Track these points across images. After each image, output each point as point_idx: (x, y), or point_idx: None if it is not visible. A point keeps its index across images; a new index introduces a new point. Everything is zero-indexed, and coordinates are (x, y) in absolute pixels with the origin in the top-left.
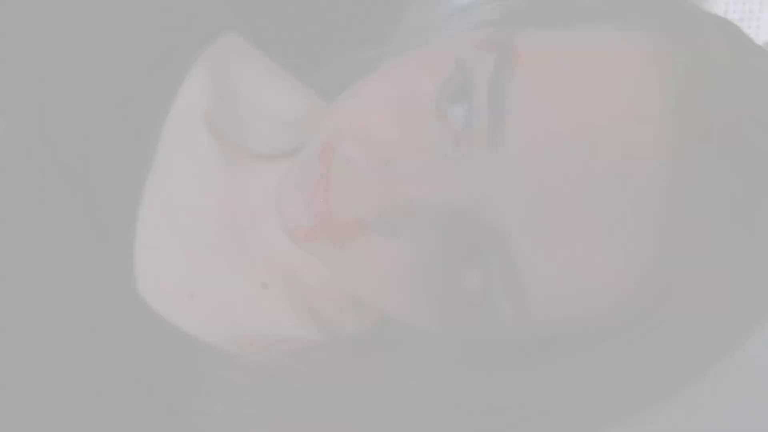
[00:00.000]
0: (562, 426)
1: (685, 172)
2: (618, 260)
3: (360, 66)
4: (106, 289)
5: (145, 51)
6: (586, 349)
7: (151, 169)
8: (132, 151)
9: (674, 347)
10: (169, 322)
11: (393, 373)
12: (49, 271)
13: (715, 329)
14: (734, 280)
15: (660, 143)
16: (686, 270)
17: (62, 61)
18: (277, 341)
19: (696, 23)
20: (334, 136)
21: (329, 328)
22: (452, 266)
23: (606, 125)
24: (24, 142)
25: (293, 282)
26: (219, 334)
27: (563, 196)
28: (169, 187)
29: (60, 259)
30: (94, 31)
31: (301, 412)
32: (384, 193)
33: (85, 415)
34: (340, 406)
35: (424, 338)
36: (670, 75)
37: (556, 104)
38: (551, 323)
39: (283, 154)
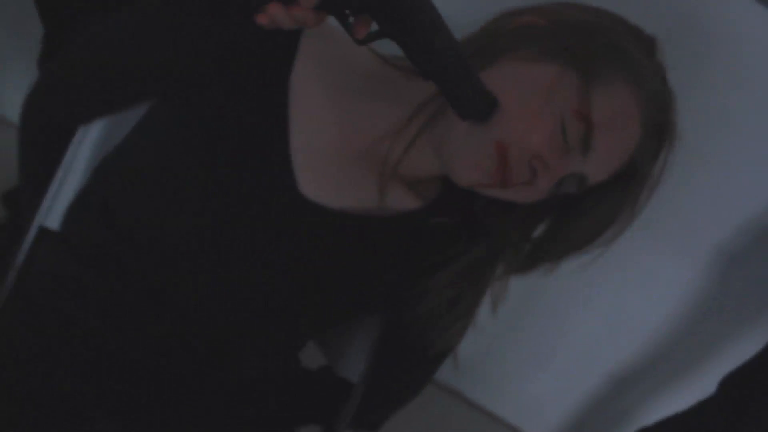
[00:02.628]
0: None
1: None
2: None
3: None
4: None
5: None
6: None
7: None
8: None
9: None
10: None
11: None
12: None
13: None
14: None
15: (636, 137)
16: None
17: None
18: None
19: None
20: (504, 139)
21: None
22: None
23: (625, 139)
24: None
25: (391, 171)
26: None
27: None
28: (304, 121)
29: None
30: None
31: None
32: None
33: None
34: None
35: None
36: (643, 112)
37: (606, 138)
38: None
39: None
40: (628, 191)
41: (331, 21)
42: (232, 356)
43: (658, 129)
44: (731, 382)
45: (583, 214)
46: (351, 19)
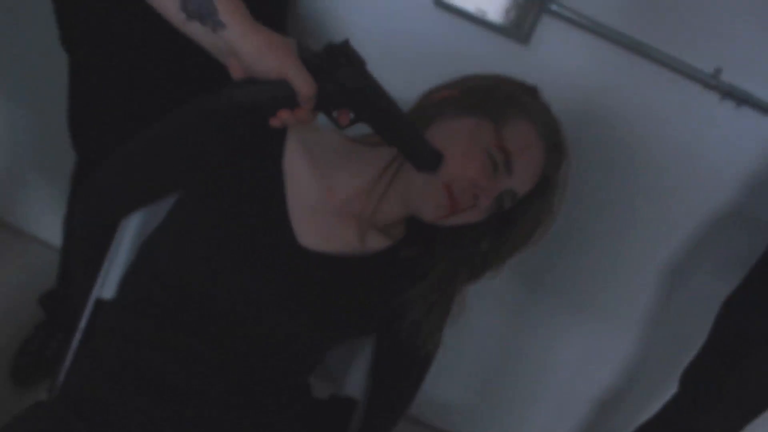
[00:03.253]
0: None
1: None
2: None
3: None
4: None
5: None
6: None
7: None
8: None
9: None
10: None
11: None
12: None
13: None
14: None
15: (542, 156)
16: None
17: None
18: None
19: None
20: (449, 180)
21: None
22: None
23: (535, 158)
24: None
25: (367, 221)
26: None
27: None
28: (296, 190)
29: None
30: None
31: None
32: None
33: None
34: None
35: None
36: (541, 138)
37: (521, 160)
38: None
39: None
40: (545, 197)
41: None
42: (252, 376)
43: (555, 148)
44: (687, 378)
45: (516, 222)
46: (335, 113)
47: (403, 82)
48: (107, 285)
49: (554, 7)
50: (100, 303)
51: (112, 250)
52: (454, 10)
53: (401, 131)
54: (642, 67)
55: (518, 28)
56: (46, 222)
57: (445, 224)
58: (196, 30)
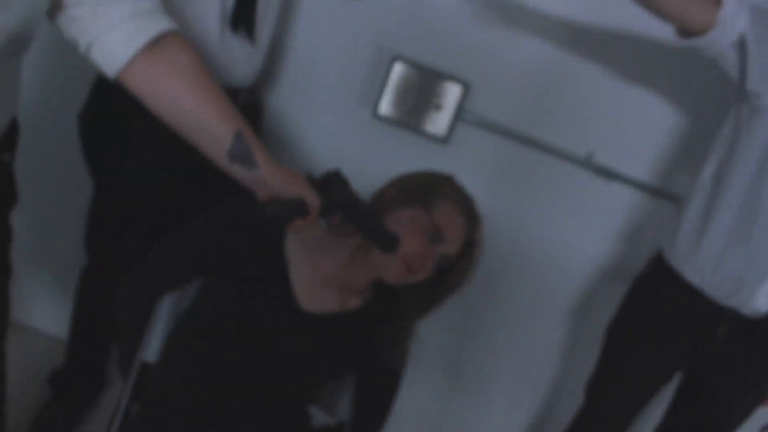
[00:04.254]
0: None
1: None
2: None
3: None
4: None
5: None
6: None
7: (288, 265)
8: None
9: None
10: (309, 311)
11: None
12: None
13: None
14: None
15: (465, 225)
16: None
17: None
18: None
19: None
20: (403, 255)
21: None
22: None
23: (460, 227)
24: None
25: (347, 287)
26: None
27: (458, 241)
28: (296, 268)
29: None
30: None
31: None
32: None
33: None
34: None
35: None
36: (462, 213)
37: (450, 231)
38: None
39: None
40: (470, 253)
41: None
42: (264, 410)
43: (472, 218)
44: (586, 389)
45: (452, 273)
46: (329, 218)
47: (350, 176)
48: (150, 350)
49: (466, 116)
50: (146, 365)
51: (153, 322)
52: (389, 121)
53: (371, 226)
54: (531, 154)
55: (441, 131)
56: (39, 311)
57: (404, 283)
58: (236, 169)
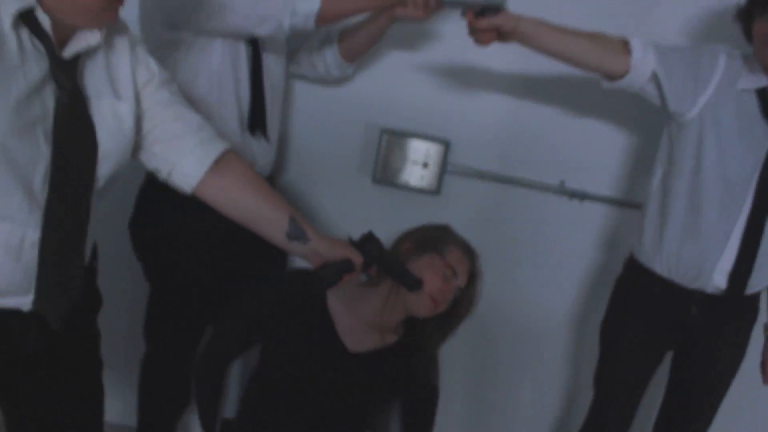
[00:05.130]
0: None
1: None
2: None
3: None
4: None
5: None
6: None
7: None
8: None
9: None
10: (355, 352)
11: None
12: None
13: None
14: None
15: (468, 262)
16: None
17: None
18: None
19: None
20: (429, 292)
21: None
22: None
23: (466, 264)
24: None
25: (384, 326)
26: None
27: (464, 275)
28: (338, 318)
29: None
30: None
31: None
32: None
33: None
34: None
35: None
36: (464, 252)
37: (459, 268)
38: None
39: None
40: (474, 284)
41: None
42: None
43: (472, 255)
44: (594, 379)
45: (463, 301)
46: (369, 271)
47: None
48: (228, 409)
49: (451, 168)
50: (226, 422)
51: (227, 385)
52: (386, 183)
53: (400, 273)
54: (511, 190)
55: (431, 186)
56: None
57: (431, 315)
58: (294, 246)
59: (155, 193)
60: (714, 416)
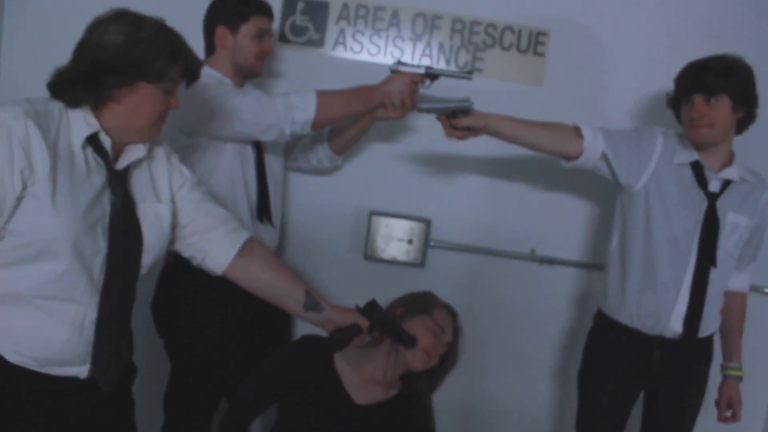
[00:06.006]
0: None
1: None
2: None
3: None
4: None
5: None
6: None
7: (340, 376)
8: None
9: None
10: (361, 405)
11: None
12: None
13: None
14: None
15: (452, 321)
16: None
17: None
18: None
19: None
20: (423, 347)
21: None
22: None
23: (450, 323)
24: None
25: (387, 380)
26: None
27: (449, 333)
28: (346, 376)
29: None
30: None
31: None
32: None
33: None
34: None
35: None
36: (448, 314)
37: (445, 325)
38: None
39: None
40: (457, 338)
41: None
42: None
43: (454, 314)
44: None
45: (450, 354)
46: (372, 333)
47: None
48: None
49: (433, 243)
50: None
51: None
52: (376, 260)
53: (399, 332)
54: (487, 260)
55: (416, 259)
56: None
57: (426, 368)
58: (309, 315)
59: (177, 276)
60: None
